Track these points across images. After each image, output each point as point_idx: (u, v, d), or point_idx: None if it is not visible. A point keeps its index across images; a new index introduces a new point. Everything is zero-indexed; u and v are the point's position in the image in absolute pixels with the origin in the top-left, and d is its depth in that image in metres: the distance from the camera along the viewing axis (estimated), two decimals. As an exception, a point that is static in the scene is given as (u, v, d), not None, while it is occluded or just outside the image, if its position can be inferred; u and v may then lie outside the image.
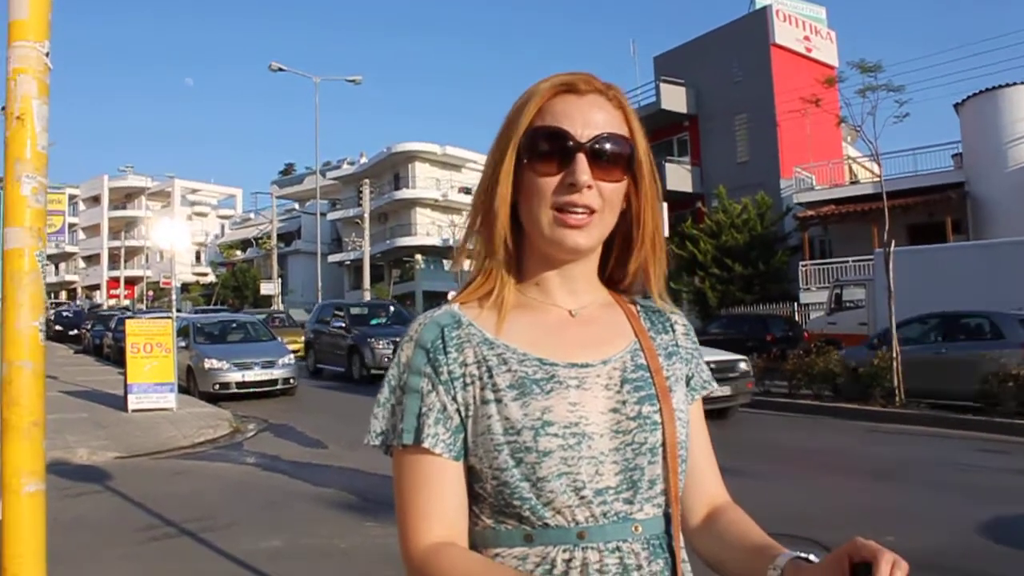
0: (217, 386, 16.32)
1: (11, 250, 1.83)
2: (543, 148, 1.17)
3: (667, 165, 32.54)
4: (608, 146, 1.17)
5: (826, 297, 22.80)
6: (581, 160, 1.15)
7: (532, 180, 1.18)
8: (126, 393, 14.18)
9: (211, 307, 46.95)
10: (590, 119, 1.18)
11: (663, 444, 1.18)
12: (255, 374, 16.60)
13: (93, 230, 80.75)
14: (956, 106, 27.21)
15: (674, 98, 33.09)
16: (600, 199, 1.18)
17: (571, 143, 1.16)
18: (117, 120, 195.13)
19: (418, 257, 51.24)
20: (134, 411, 13.80)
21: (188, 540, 6.29)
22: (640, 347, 1.26)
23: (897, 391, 12.89)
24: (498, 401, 1.15)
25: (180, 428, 12.22)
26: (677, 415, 1.21)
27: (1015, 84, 25.58)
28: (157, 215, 67.42)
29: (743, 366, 12.73)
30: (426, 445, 1.14)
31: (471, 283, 1.26)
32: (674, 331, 1.34)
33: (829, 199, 28.40)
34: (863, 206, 25.27)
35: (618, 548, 1.14)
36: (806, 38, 32.98)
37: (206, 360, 16.66)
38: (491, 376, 1.16)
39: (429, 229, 50.06)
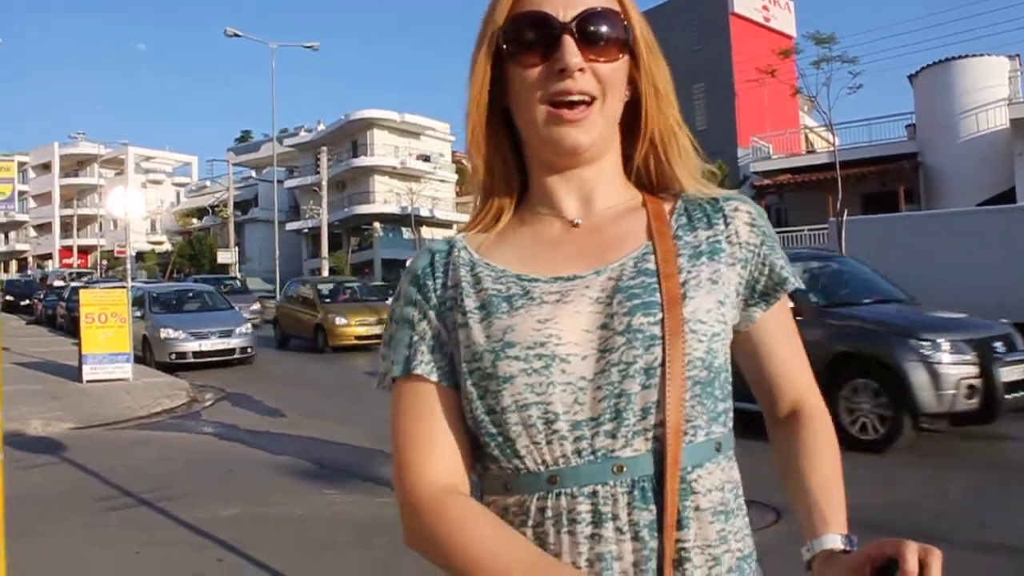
0: (174, 356, 16.20)
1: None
2: (524, 36, 1.04)
3: (625, 134, 32.62)
4: (596, 22, 1.03)
5: (782, 265, 23.10)
6: (568, 42, 1.02)
7: (518, 75, 1.06)
8: (81, 364, 14.02)
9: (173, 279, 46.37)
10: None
11: (662, 363, 0.97)
12: (212, 343, 16.50)
13: (44, 198, 79.10)
14: (910, 77, 27.64)
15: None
16: (597, 83, 1.04)
17: (554, 25, 1.02)
18: (68, 86, 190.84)
19: (376, 225, 50.97)
20: (89, 382, 13.66)
21: (146, 509, 6.29)
22: (652, 250, 1.06)
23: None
24: (464, 325, 1.04)
25: (136, 398, 12.13)
26: (690, 326, 1.00)
27: (968, 56, 26.02)
28: (110, 183, 66.08)
29: None
30: (419, 372, 1.05)
31: (475, 210, 1.17)
32: (727, 222, 1.11)
33: (785, 168, 28.81)
34: (819, 175, 25.63)
35: (594, 492, 0.97)
36: (764, 7, 33.22)
37: (162, 330, 16.52)
38: (461, 299, 1.06)
39: (387, 197, 49.73)
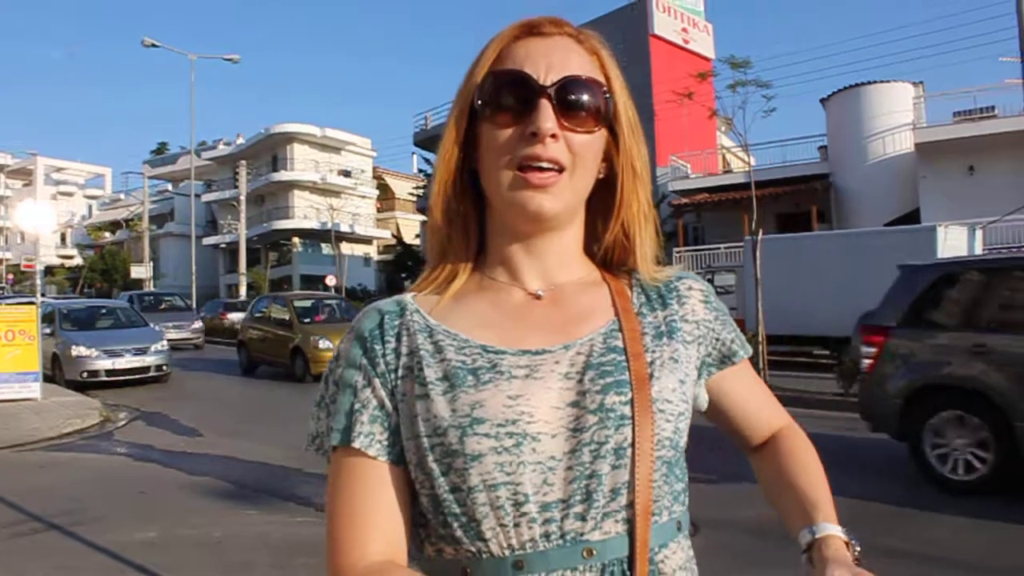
0: (85, 374, 15.75)
1: None
2: (501, 95, 1.00)
3: (547, 151, 32.97)
4: (577, 90, 1.00)
5: (699, 283, 23.54)
6: (544, 106, 0.98)
7: (490, 134, 1.01)
8: (-15, 383, 13.51)
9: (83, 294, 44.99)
10: (555, 62, 1.01)
11: (632, 443, 0.95)
12: (126, 361, 16.10)
13: (-54, 209, 76.04)
14: (822, 101, 28.52)
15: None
16: (568, 153, 0.99)
17: (532, 87, 0.99)
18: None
19: (295, 240, 50.47)
20: (-6, 401, 13.19)
21: (56, 535, 6.11)
22: (619, 327, 1.04)
23: (762, 374, 13.52)
24: (425, 396, 0.97)
25: (45, 419, 11.74)
26: (658, 406, 0.98)
27: (875, 82, 26.98)
28: (17, 194, 64.02)
29: None
30: (356, 445, 0.97)
31: (428, 269, 1.11)
32: (681, 302, 1.11)
33: (703, 187, 29.43)
34: (735, 195, 26.23)
35: None
36: (684, 30, 33.97)
37: (73, 347, 16.03)
38: (421, 369, 0.99)
39: (307, 212, 49.25)
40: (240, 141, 54.61)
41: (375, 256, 54.96)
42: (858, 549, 1.03)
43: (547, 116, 0.97)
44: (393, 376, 1.00)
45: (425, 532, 1.00)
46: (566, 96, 0.99)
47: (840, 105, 27.45)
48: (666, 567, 0.99)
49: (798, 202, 26.62)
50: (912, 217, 23.95)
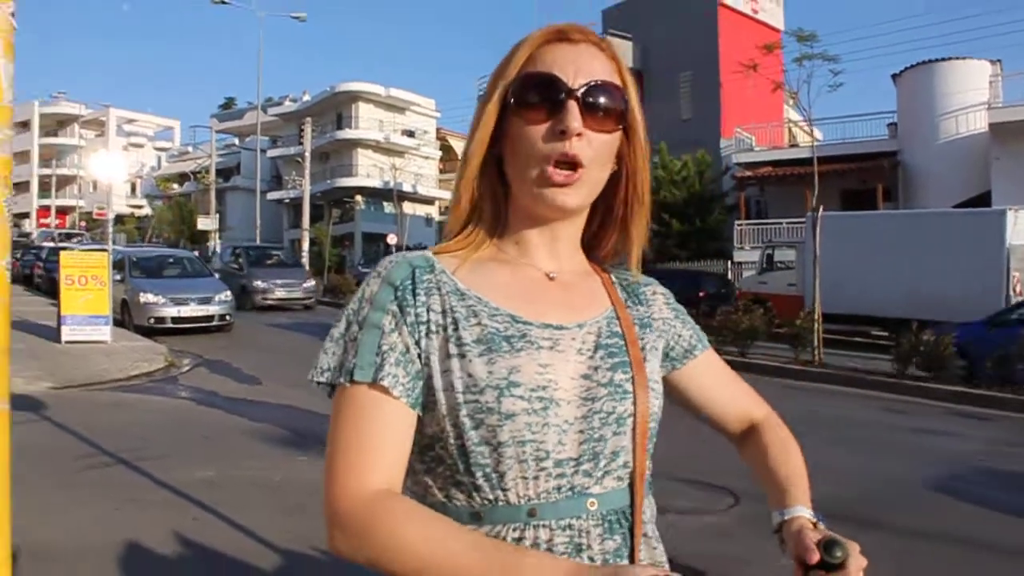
0: (152, 320, 16.30)
1: (-20, 195, 1.99)
2: (532, 95, 1.11)
3: (610, 120, 32.73)
4: (601, 93, 1.11)
5: (758, 257, 23.39)
6: (572, 107, 1.09)
7: (519, 128, 1.11)
8: (59, 324, 14.11)
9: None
10: (583, 67, 1.12)
11: (633, 415, 1.12)
12: (191, 309, 16.61)
13: (22, 157, 78.09)
14: (894, 76, 27.80)
15: (620, 52, 32.93)
16: (590, 150, 1.10)
17: (562, 90, 1.09)
18: (49, 45, 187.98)
19: (358, 198, 50.81)
20: (68, 343, 13.77)
21: (123, 469, 6.45)
22: (616, 316, 1.20)
23: (816, 351, 13.46)
24: (462, 356, 1.06)
25: (115, 361, 12.25)
26: (650, 386, 1.16)
27: (951, 59, 26.23)
28: (91, 144, 65.64)
29: None
30: (385, 384, 1.05)
31: (451, 238, 1.20)
32: (649, 303, 1.29)
33: (767, 160, 28.98)
34: (800, 169, 25.81)
35: (570, 525, 1.07)
36: (754, 0, 33.28)
37: (141, 294, 16.59)
38: (456, 329, 1.08)
39: (370, 171, 49.58)
40: (306, 98, 55.11)
41: (436, 217, 55.18)
42: (823, 528, 1.14)
43: (574, 116, 1.08)
44: (423, 328, 1.08)
45: (432, 478, 1.10)
46: (591, 98, 1.10)
47: (912, 81, 26.74)
48: (645, 517, 1.16)
49: (864, 179, 26.11)
50: (983, 200, 23.31)
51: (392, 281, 1.11)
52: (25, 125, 77.34)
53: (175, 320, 16.44)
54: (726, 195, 29.42)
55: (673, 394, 1.33)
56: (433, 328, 1.09)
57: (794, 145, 31.06)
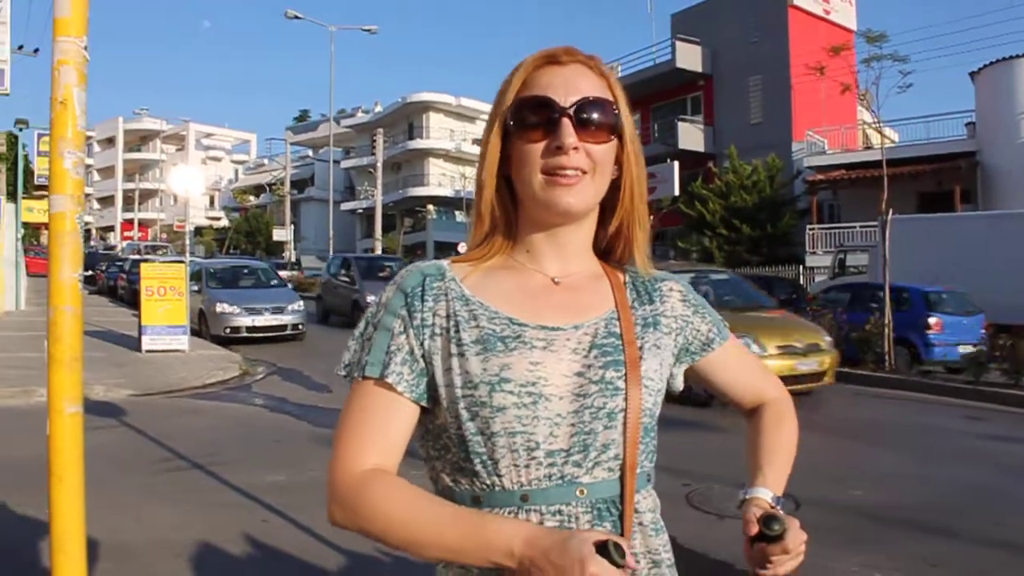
0: (228, 330, 16.73)
1: (56, 214, 2.18)
2: (530, 117, 1.21)
3: (680, 124, 32.63)
4: (591, 109, 1.20)
5: (830, 261, 22.98)
6: (566, 124, 1.18)
7: (521, 149, 1.22)
8: (140, 334, 14.61)
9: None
10: (572, 86, 1.21)
11: (624, 410, 1.19)
12: (265, 319, 17.02)
13: (108, 172, 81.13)
14: (972, 74, 27.07)
15: (689, 57, 32.98)
16: (589, 160, 1.20)
17: (555, 109, 1.20)
18: (132, 61, 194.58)
19: (430, 207, 51.39)
20: (148, 352, 14.26)
21: (198, 472, 6.72)
22: (617, 317, 1.27)
23: (888, 356, 13.22)
24: (461, 355, 1.18)
25: (192, 369, 12.65)
26: (644, 383, 1.22)
27: (1032, 55, 25.46)
28: (171, 158, 67.69)
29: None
30: (390, 380, 1.18)
31: (471, 250, 1.31)
32: (663, 300, 1.36)
33: (840, 164, 28.46)
34: (873, 172, 25.23)
35: (560, 511, 1.16)
36: (825, 0, 32.75)
37: (217, 304, 17.03)
38: (458, 331, 1.19)
39: (441, 180, 50.19)
40: (378, 109, 56.04)
41: (506, 225, 55.24)
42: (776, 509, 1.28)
43: (568, 132, 1.19)
44: (428, 331, 1.21)
45: (442, 464, 1.23)
46: (583, 114, 1.20)
47: (992, 79, 26.01)
48: (641, 507, 1.24)
49: (940, 181, 25.47)
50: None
51: (404, 288, 1.24)
52: (111, 141, 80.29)
53: (249, 329, 16.85)
54: (797, 199, 28.99)
55: (697, 381, 1.44)
56: (438, 330, 1.21)
57: (868, 147, 30.39)
